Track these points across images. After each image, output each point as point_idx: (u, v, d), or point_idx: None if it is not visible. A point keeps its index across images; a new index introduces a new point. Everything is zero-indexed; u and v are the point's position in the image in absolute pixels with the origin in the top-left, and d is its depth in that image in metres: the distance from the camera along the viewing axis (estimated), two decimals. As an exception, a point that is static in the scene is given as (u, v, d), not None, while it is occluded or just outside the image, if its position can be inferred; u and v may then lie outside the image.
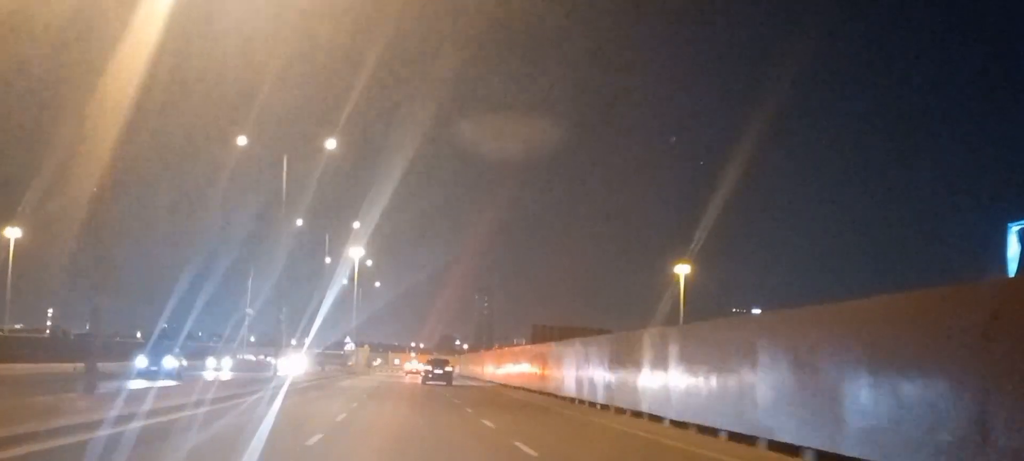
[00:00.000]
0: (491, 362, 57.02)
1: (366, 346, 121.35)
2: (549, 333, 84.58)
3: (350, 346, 69.40)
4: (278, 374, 36.90)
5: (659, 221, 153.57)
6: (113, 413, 12.97)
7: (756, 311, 40.78)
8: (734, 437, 14.48)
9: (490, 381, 54.91)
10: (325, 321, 78.10)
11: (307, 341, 50.60)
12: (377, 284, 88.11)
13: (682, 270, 50.16)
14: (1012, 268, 16.02)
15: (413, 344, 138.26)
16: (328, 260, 71.92)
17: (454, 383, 47.27)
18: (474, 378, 66.88)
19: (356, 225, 57.70)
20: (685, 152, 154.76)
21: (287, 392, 24.96)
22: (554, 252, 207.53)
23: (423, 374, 48.32)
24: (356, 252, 68.68)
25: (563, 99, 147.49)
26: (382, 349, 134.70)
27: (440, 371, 45.98)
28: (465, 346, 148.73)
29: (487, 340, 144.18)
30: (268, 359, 56.87)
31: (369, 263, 75.08)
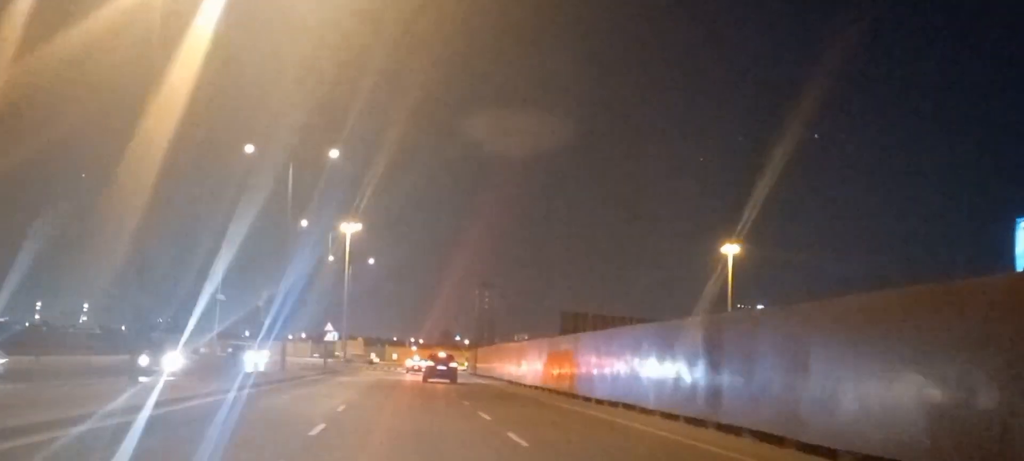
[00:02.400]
0: (534, 358, 36.93)
1: (359, 338, 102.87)
2: (582, 322, 64.16)
3: (332, 335, 50.20)
4: (143, 380, 17.96)
5: (662, 219, 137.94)
6: None
7: (760, 307, 31.31)
8: None
9: (531, 385, 35.40)
10: (309, 307, 60.29)
11: (186, 332, 29.69)
12: (371, 261, 70.59)
13: (730, 250, 42.20)
14: (1021, 263, 15.76)
15: (413, 339, 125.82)
16: (304, 223, 53.43)
17: (476, 385, 37.21)
18: (498, 378, 47.84)
19: (334, 154, 38.29)
20: (689, 150, 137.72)
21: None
22: (556, 250, 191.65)
23: (425, 371, 41.20)
24: (349, 226, 53.40)
25: (569, 94, 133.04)
26: (379, 343, 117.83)
27: (444, 368, 39.50)
28: (466, 341, 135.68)
29: (488, 336, 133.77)
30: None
31: (358, 226, 56.32)
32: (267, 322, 41.46)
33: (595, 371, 23.72)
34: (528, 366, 36.41)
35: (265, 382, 27.09)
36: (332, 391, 25.36)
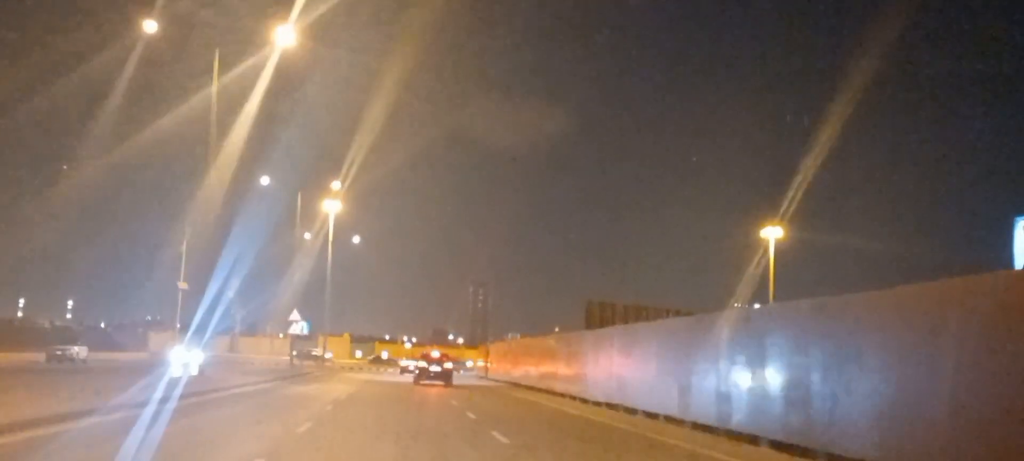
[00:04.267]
0: (612, 357, 22.28)
1: (346, 334, 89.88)
2: (609, 314, 50.64)
3: (300, 327, 37.01)
4: None
5: (657, 221, 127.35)
6: None
7: (756, 306, 23.72)
8: None
9: (594, 400, 22.09)
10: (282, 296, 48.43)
11: None
12: (356, 239, 58.66)
13: (772, 233, 34.67)
14: (1019, 262, 14.70)
15: (406, 337, 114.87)
16: (265, 180, 40.92)
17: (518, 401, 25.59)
18: (521, 383, 35.04)
19: (285, 35, 25.00)
20: (682, 153, 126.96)
21: None
22: (549, 251, 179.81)
23: (417, 372, 34.91)
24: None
25: (569, 89, 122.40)
26: (369, 341, 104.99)
27: (437, 369, 33.62)
28: (460, 340, 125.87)
29: (483, 335, 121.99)
30: None
31: (336, 186, 44.33)
32: (201, 311, 28.68)
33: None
34: (597, 370, 23.10)
35: (148, 401, 13.98)
36: (237, 428, 12.13)
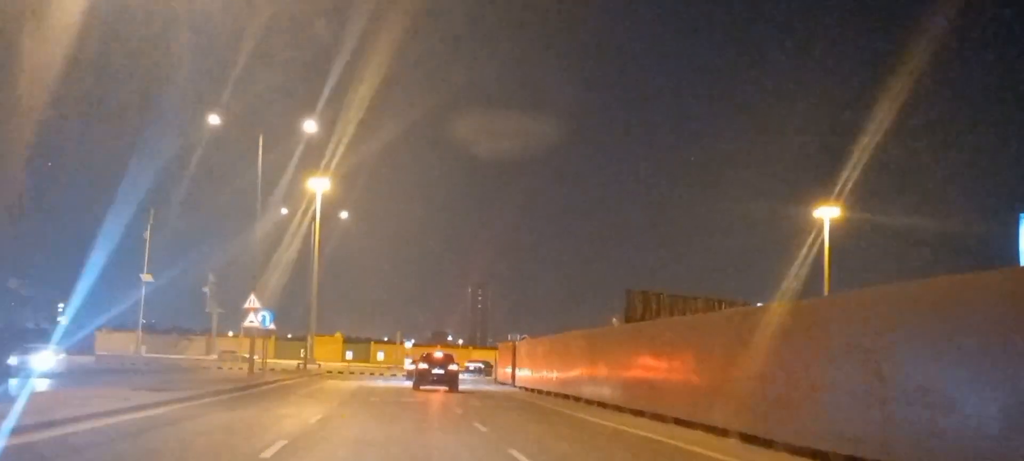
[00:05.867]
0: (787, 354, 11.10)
1: (338, 334, 78.80)
2: (650, 305, 38.72)
3: (258, 316, 25.66)
4: None
5: (661, 220, 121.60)
6: None
7: (760, 303, 19.52)
8: None
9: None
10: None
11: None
12: (343, 215, 49.34)
13: (827, 214, 31.03)
14: None
15: (405, 338, 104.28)
16: (214, 119, 29.95)
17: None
18: (606, 404, 23.95)
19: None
20: (682, 149, 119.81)
21: None
22: (544, 253, 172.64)
23: (417, 375, 30.22)
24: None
25: (561, 96, 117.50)
26: (364, 342, 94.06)
27: (440, 371, 29.86)
28: (460, 341, 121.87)
29: (481, 337, 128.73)
30: None
31: (310, 125, 33.80)
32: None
33: None
34: (835, 379, 11.68)
35: None
36: None
